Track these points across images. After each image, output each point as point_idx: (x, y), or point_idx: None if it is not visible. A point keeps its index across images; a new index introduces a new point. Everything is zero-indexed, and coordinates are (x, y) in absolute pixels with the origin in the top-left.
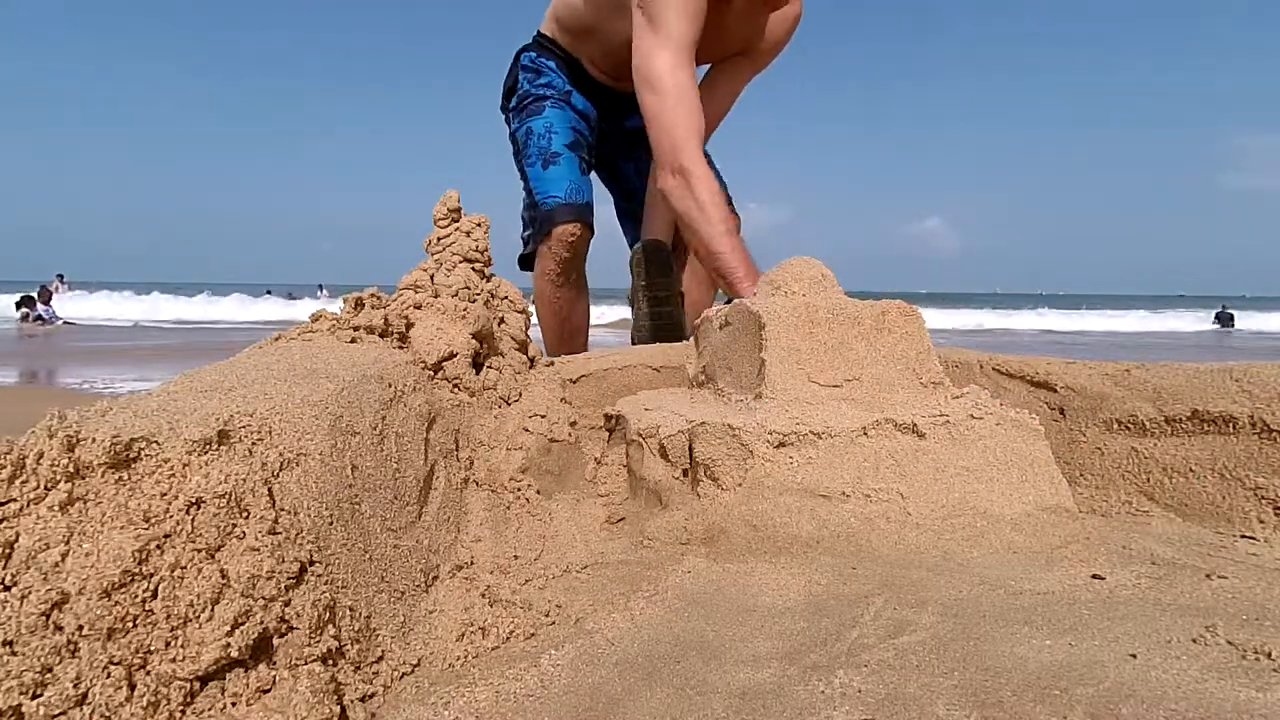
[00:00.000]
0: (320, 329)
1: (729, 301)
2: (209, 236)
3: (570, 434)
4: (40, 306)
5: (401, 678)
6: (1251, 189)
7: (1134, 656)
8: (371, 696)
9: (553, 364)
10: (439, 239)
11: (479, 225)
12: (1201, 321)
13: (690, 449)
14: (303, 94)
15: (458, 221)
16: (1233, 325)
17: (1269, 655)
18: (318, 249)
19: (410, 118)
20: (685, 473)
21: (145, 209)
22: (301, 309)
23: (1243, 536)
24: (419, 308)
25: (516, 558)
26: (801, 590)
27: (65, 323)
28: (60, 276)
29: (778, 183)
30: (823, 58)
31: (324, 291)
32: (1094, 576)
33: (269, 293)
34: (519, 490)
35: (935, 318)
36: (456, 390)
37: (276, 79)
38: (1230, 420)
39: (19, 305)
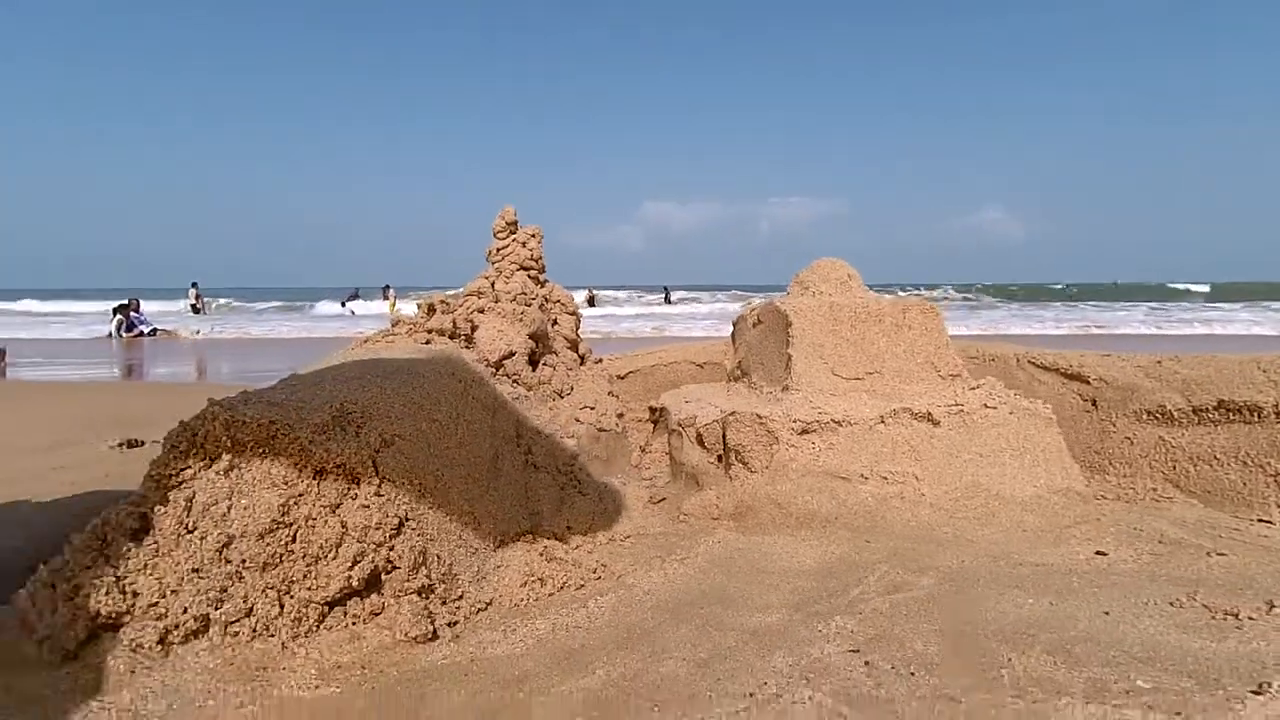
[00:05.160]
0: (399, 333)
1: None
2: (237, 239)
3: (617, 424)
4: (133, 314)
5: (477, 612)
6: None
7: (1107, 614)
8: (454, 624)
9: (601, 361)
10: (498, 249)
11: (533, 236)
12: None
13: (724, 436)
14: (319, 92)
15: (514, 233)
16: None
17: (1235, 615)
18: (358, 251)
19: (454, 116)
20: (720, 458)
21: (179, 214)
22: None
23: (1259, 520)
24: (482, 312)
25: (569, 528)
26: (816, 558)
27: (159, 330)
28: (195, 285)
29: (826, 175)
30: (868, 45)
31: (392, 291)
32: (1098, 553)
33: (345, 303)
34: (572, 473)
35: (1004, 317)
36: (516, 385)
37: (283, 76)
38: (1255, 409)
39: (116, 312)
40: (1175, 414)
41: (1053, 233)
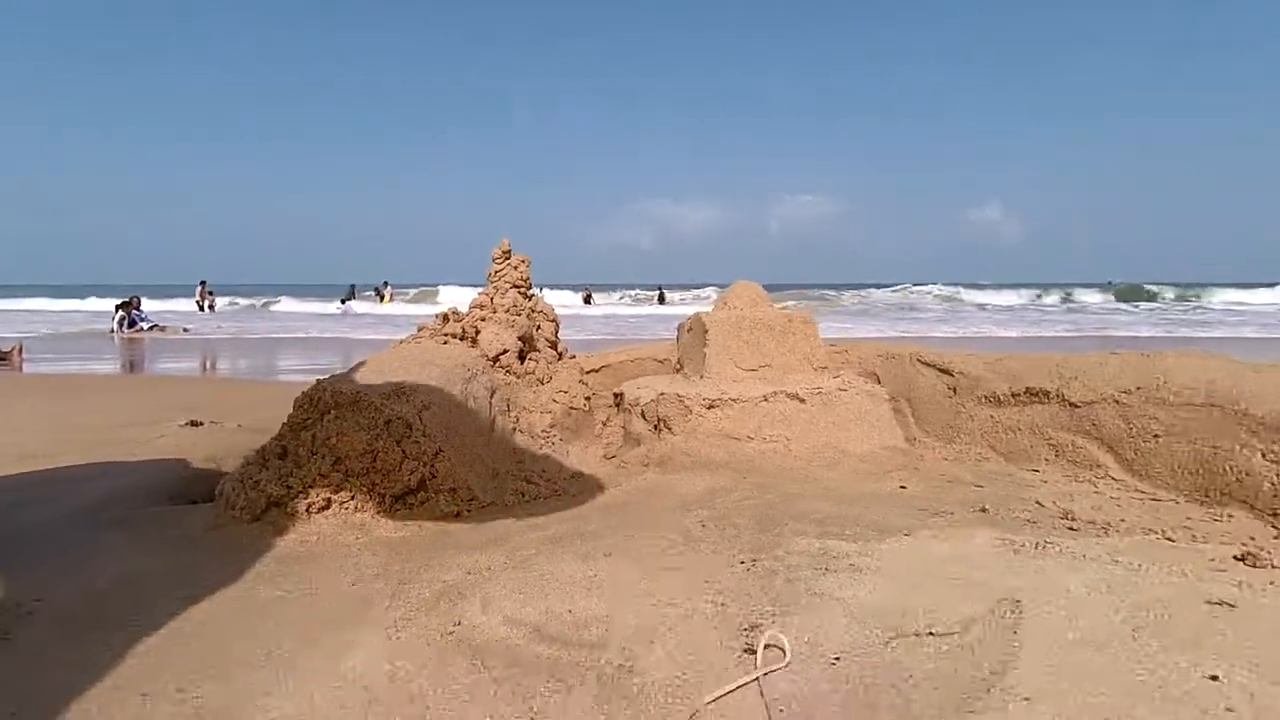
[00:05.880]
0: (424, 336)
1: None
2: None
3: (585, 405)
4: (134, 312)
5: (482, 508)
6: None
7: (871, 512)
8: (469, 511)
9: (575, 357)
10: (496, 271)
11: (523, 262)
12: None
13: (657, 410)
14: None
15: (509, 259)
16: None
17: (940, 513)
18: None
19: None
20: (655, 426)
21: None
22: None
23: (1031, 470)
24: (484, 320)
25: (544, 470)
26: (706, 485)
27: (156, 326)
28: (203, 283)
29: (829, 175)
30: (870, 48)
31: (389, 289)
32: (901, 487)
33: (343, 301)
34: (548, 437)
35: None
36: (508, 374)
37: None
38: (1044, 393)
39: (118, 309)
40: (1001, 397)
41: (1049, 232)
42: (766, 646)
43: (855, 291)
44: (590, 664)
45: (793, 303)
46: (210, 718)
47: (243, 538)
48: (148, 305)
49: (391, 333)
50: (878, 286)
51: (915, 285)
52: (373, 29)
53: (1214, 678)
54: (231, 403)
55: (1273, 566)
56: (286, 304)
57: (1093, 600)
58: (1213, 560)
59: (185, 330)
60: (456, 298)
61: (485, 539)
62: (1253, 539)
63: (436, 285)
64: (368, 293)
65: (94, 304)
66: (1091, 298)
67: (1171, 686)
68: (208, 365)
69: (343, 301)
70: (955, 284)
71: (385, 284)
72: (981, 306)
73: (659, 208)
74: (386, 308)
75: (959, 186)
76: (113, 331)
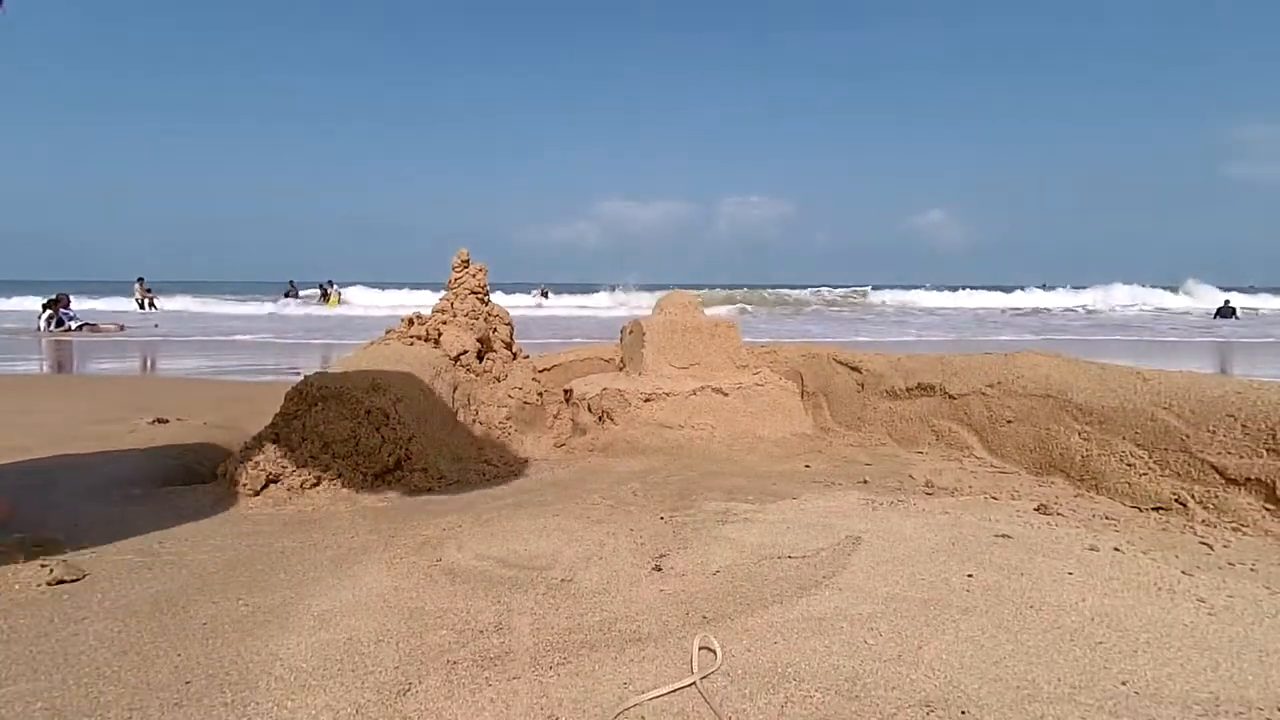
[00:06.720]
0: (393, 338)
1: None
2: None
3: (538, 400)
4: (62, 310)
5: (450, 485)
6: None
7: (774, 485)
8: (439, 488)
9: (529, 357)
10: (455, 279)
11: (481, 270)
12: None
13: (601, 403)
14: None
15: (468, 268)
16: (1235, 316)
17: (830, 484)
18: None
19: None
20: (599, 417)
21: (133, 209)
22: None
23: (917, 452)
24: (445, 323)
25: (501, 455)
26: (641, 466)
27: (87, 325)
28: (141, 280)
29: (779, 177)
30: (820, 51)
31: (335, 289)
32: (805, 466)
33: (285, 295)
34: (504, 428)
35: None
36: (468, 372)
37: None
38: (931, 387)
39: (45, 307)
40: (899, 391)
41: (989, 236)
42: (700, 649)
43: (813, 290)
44: (541, 579)
45: (746, 305)
46: (273, 612)
47: (249, 509)
48: (78, 305)
49: (306, 335)
50: (833, 287)
51: (869, 287)
52: (299, 25)
53: (970, 575)
54: (190, 401)
55: (1058, 514)
56: (189, 303)
57: (915, 536)
58: (1018, 511)
59: (121, 328)
60: (363, 298)
61: (454, 507)
62: (1056, 498)
63: (350, 284)
64: (307, 291)
65: (17, 303)
66: (1040, 301)
67: (938, 580)
68: (149, 365)
69: (286, 295)
70: (908, 286)
71: (330, 283)
72: (932, 311)
73: (612, 207)
74: (333, 309)
75: (900, 191)
76: (39, 330)
